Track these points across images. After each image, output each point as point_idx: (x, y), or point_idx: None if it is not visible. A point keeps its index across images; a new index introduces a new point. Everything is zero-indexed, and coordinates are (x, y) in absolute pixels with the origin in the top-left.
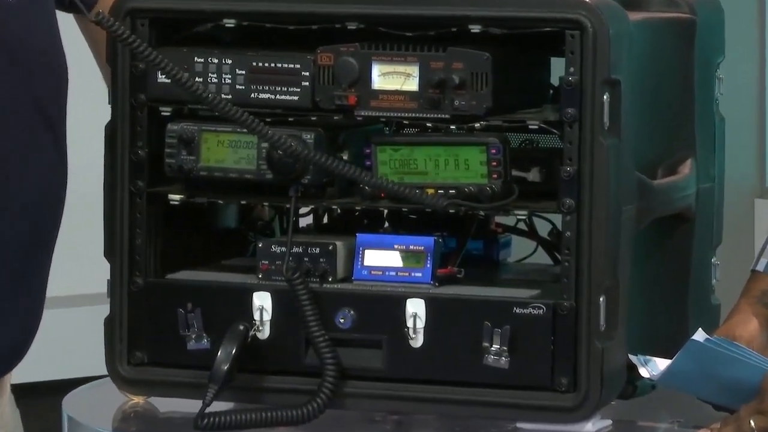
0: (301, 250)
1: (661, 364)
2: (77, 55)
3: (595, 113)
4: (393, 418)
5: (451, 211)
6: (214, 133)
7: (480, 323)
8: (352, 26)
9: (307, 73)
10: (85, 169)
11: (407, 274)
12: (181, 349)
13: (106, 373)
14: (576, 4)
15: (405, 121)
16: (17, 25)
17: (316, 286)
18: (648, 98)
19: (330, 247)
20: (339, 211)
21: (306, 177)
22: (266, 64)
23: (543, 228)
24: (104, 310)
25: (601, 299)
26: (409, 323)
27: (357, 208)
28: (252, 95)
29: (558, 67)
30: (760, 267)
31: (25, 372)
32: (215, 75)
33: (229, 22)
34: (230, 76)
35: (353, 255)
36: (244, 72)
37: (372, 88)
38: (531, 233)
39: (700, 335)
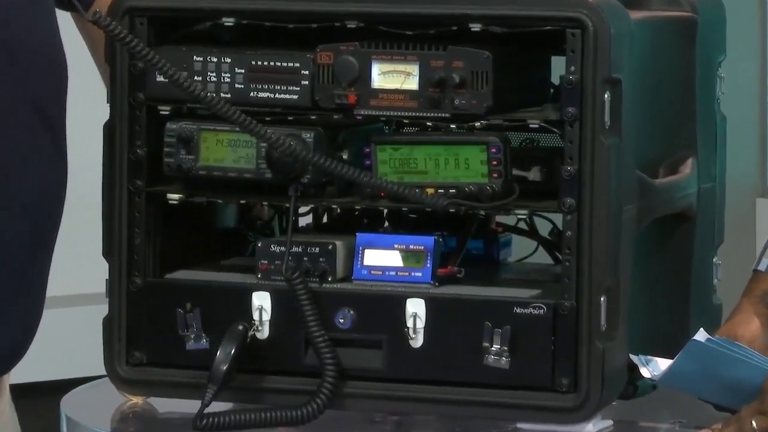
0: (300, 249)
1: (663, 364)
2: (76, 54)
3: (596, 112)
4: (393, 418)
5: (451, 210)
6: (213, 132)
7: (480, 323)
8: (351, 25)
9: (307, 72)
10: (83, 168)
11: (407, 273)
12: (180, 350)
13: (104, 373)
14: (577, 2)
15: (405, 120)
16: (17, 25)
17: (315, 286)
18: (649, 97)
19: (329, 247)
20: (338, 210)
21: (305, 176)
22: (265, 63)
23: (543, 227)
24: (103, 310)
25: (601, 299)
26: (409, 323)
27: (357, 207)
28: (251, 94)
29: (559, 66)
30: (762, 267)
31: (24, 372)
32: (214, 74)
33: (228, 21)
34: (229, 75)
35: (353, 254)
36: (243, 71)
37: (372, 87)
38: (531, 233)
39: (701, 335)
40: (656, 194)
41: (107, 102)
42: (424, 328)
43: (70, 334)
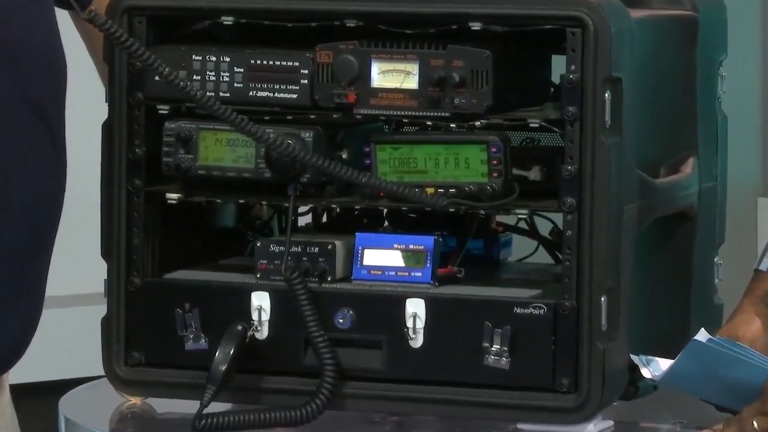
0: (299, 249)
1: (663, 364)
2: (74, 54)
3: (596, 111)
4: (392, 419)
5: (451, 210)
6: (212, 132)
7: (480, 323)
8: (351, 24)
9: (306, 71)
10: (82, 168)
11: (407, 273)
12: (178, 350)
13: (103, 373)
14: (577, 1)
15: (405, 120)
16: (17, 25)
17: (315, 286)
18: (650, 96)
19: (329, 247)
20: (338, 210)
21: (305, 176)
22: (264, 62)
23: (544, 227)
24: (101, 310)
25: (602, 299)
26: (409, 323)
27: (356, 207)
28: (250, 93)
29: (559, 65)
30: (763, 267)
31: (22, 372)
32: (213, 73)
33: (227, 20)
34: (228, 74)
35: (352, 254)
36: (242, 70)
37: (371, 86)
38: (532, 232)
39: (702, 335)
40: (657, 194)
41: (106, 101)
42: (424, 328)
43: (68, 335)
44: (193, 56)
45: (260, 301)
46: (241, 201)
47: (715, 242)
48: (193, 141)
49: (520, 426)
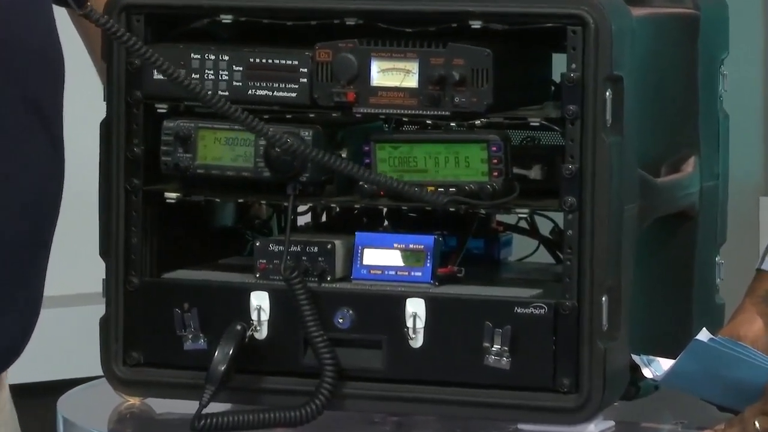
0: (299, 249)
1: (665, 364)
2: (72, 52)
3: (597, 110)
4: (392, 419)
5: (451, 209)
6: (211, 131)
7: (481, 323)
8: (350, 22)
9: (305, 70)
10: (80, 167)
11: (407, 273)
12: (177, 350)
13: (101, 373)
14: None
15: (404, 119)
16: (16, 24)
17: (314, 286)
18: (651, 95)
19: (328, 246)
20: (338, 209)
21: (304, 175)
22: (264, 61)
23: (544, 226)
24: (100, 309)
25: (603, 299)
26: (409, 323)
27: (356, 206)
28: (249, 92)
29: (560, 64)
30: (765, 266)
31: (20, 372)
32: (212, 71)
33: (226, 18)
34: (227, 73)
35: (352, 254)
36: (241, 68)
37: (371, 84)
38: (532, 232)
39: (704, 335)
40: (658, 193)
41: (104, 100)
42: (424, 328)
43: (67, 335)
44: (192, 55)
45: (259, 300)
46: (240, 200)
47: (717, 241)
48: (191, 140)
49: (521, 426)
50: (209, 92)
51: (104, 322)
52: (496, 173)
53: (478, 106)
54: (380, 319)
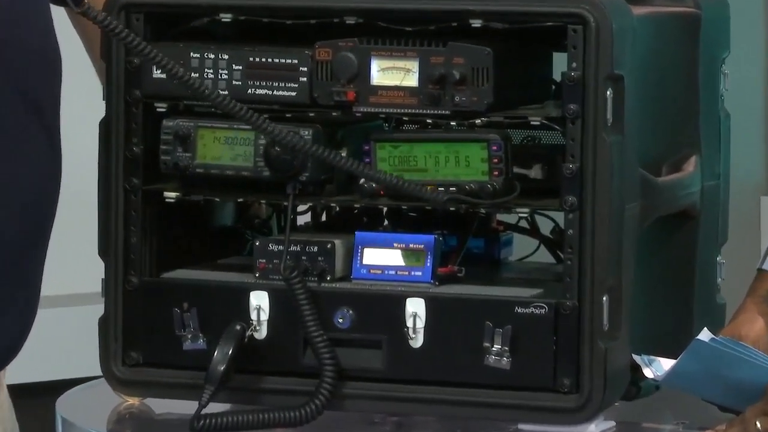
0: (299, 248)
1: (666, 364)
2: (71, 51)
3: (597, 109)
4: (392, 419)
5: (451, 208)
6: (211, 130)
7: (481, 323)
8: (350, 21)
9: (305, 69)
10: (79, 166)
11: (407, 272)
12: (176, 350)
13: (100, 373)
14: None
15: (404, 118)
16: (13, 23)
17: (314, 286)
18: (652, 94)
19: (328, 246)
20: (337, 208)
21: (304, 174)
22: (263, 60)
23: (545, 226)
24: (99, 309)
25: (604, 298)
26: (409, 323)
27: (356, 205)
28: (249, 91)
29: (560, 63)
30: (767, 266)
31: (19, 372)
32: (211, 70)
33: (226, 17)
34: (227, 72)
35: (352, 253)
36: (240, 67)
37: (371, 83)
38: (533, 231)
39: (705, 335)
40: (659, 192)
41: (103, 99)
42: (424, 327)
43: (65, 334)
44: (192, 53)
45: (259, 300)
46: (240, 200)
47: (718, 241)
48: (191, 139)
49: (521, 426)
50: (210, 89)
51: (103, 322)
52: (496, 172)
53: (478, 105)
54: (380, 319)
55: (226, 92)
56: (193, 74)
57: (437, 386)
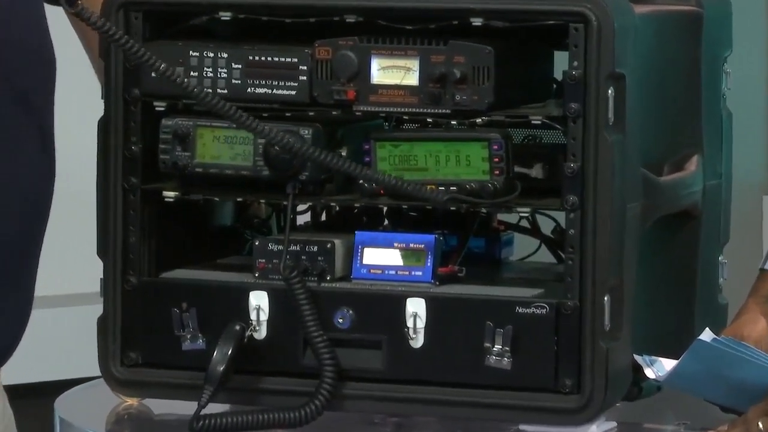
0: (298, 248)
1: (667, 364)
2: (70, 50)
3: (599, 108)
4: (392, 420)
5: (452, 208)
6: (210, 129)
7: (482, 323)
8: (350, 19)
9: (305, 68)
10: (78, 166)
11: (407, 272)
12: (175, 350)
13: (99, 374)
14: None
15: (405, 117)
16: (6, 22)
17: (314, 285)
18: (653, 93)
19: (328, 246)
20: (337, 208)
21: (303, 173)
22: (263, 58)
23: (546, 225)
24: (97, 309)
25: (605, 298)
26: (409, 323)
27: (356, 205)
28: (248, 90)
29: (561, 61)
30: None
31: (18, 373)
32: (211, 69)
33: (225, 15)
34: (226, 71)
35: (352, 253)
36: (240, 66)
37: (371, 82)
38: (534, 231)
39: (707, 335)
40: (661, 192)
41: (102, 98)
42: (425, 328)
43: (64, 335)
44: (191, 52)
45: (258, 300)
46: (239, 199)
47: (720, 241)
48: (190, 138)
49: (522, 427)
50: (205, 91)
51: (102, 322)
52: (497, 172)
53: (479, 104)
54: (380, 319)
55: (226, 91)
56: (191, 75)
57: (438, 387)
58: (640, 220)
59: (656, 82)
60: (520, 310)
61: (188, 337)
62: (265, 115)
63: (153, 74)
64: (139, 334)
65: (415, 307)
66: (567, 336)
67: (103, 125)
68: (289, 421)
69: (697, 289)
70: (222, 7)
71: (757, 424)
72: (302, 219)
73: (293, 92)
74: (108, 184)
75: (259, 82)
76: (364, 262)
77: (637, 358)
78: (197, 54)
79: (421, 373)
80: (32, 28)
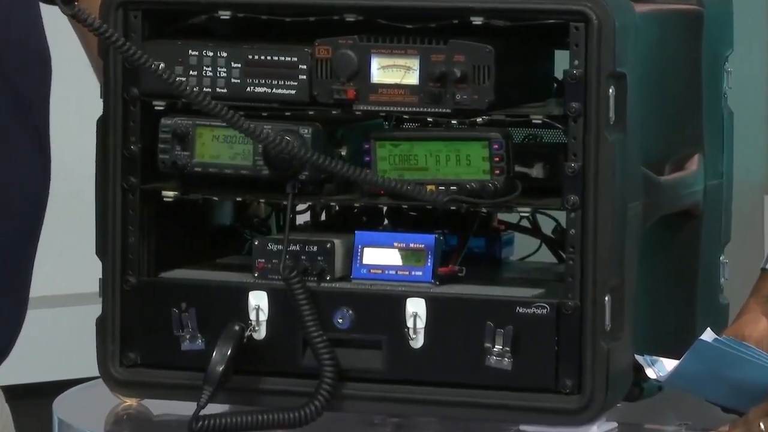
0: (298, 248)
1: (669, 364)
2: (69, 50)
3: (600, 107)
4: (392, 420)
5: (452, 208)
6: (209, 128)
7: (482, 323)
8: (350, 18)
9: (305, 67)
10: (77, 165)
11: (407, 272)
12: (175, 350)
13: (98, 374)
14: None
15: (405, 116)
16: (12, 26)
17: (313, 285)
18: (654, 92)
19: (328, 245)
20: (337, 208)
21: (303, 173)
22: (262, 57)
23: (547, 225)
24: (96, 309)
25: (606, 298)
26: (409, 323)
27: (355, 205)
28: (248, 89)
29: (562, 60)
30: None
31: (16, 373)
32: (210, 68)
33: (224, 14)
34: (225, 70)
35: (352, 253)
36: (239, 65)
37: (371, 81)
38: (534, 231)
39: (708, 335)
40: (662, 191)
41: (101, 97)
42: (425, 328)
43: (63, 335)
44: (190, 51)
45: (258, 300)
46: (239, 199)
47: (721, 240)
48: (189, 138)
49: (523, 428)
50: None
51: (101, 322)
52: (497, 171)
53: (479, 104)
54: (380, 319)
55: (225, 90)
56: (191, 74)
57: (438, 387)
58: (641, 219)
59: (657, 81)
60: (520, 310)
61: (187, 337)
62: (264, 114)
63: (155, 79)
64: (138, 335)
65: (415, 307)
66: (568, 336)
67: (102, 125)
68: (288, 421)
69: (698, 289)
70: (221, 6)
71: (759, 425)
72: (302, 219)
73: (293, 91)
74: (107, 184)
75: (259, 81)
76: (364, 262)
77: (638, 358)
78: (196, 53)
79: (421, 374)
80: (30, 28)
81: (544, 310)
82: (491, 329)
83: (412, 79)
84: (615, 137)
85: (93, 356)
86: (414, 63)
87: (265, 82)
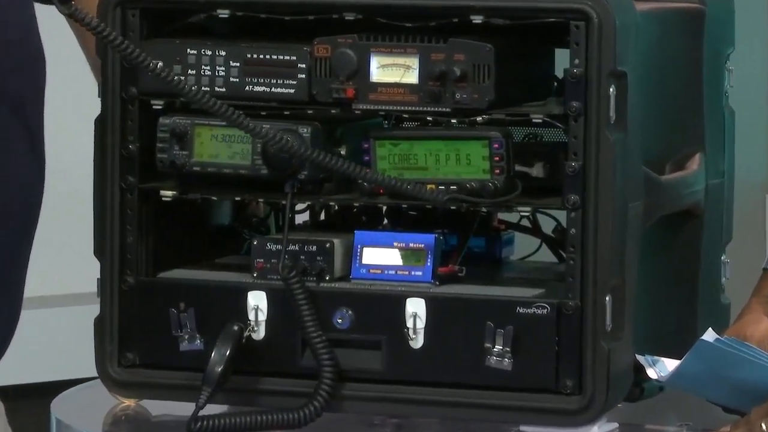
0: (297, 248)
1: (670, 365)
2: (67, 49)
3: (600, 106)
4: (392, 421)
5: (452, 207)
6: (208, 127)
7: (482, 323)
8: (350, 17)
9: (304, 66)
10: (74, 165)
11: (407, 272)
12: (173, 350)
13: (96, 374)
14: None
15: (405, 115)
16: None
17: (312, 285)
18: (655, 91)
19: (327, 245)
20: (336, 207)
21: (302, 173)
22: (261, 56)
23: (547, 225)
24: (94, 310)
25: (607, 298)
26: (409, 323)
27: (355, 204)
28: (247, 88)
29: (562, 59)
30: None
31: (14, 373)
32: (208, 67)
33: (223, 13)
34: (224, 69)
35: (351, 253)
36: (238, 64)
37: (370, 80)
38: (535, 230)
39: (709, 335)
40: (663, 191)
41: (98, 96)
42: (425, 328)
43: (61, 335)
44: (188, 50)
45: (257, 300)
46: (237, 198)
47: (722, 240)
48: (188, 137)
49: (523, 428)
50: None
51: (99, 323)
52: (497, 171)
53: (479, 103)
54: (380, 320)
55: (224, 89)
56: (189, 73)
57: (438, 387)
58: (641, 219)
59: (658, 79)
60: (520, 310)
61: (186, 337)
62: (263, 113)
63: (153, 78)
64: (136, 335)
65: (415, 308)
66: (568, 336)
67: (100, 124)
68: (287, 422)
69: (699, 289)
70: (220, 4)
71: (760, 425)
72: (301, 218)
73: (292, 90)
74: (105, 184)
75: (258, 80)
76: (364, 261)
77: (639, 358)
78: (195, 52)
79: (421, 374)
80: (25, 28)
81: (545, 310)
82: (491, 329)
83: (412, 78)
84: (616, 136)
85: (91, 356)
86: (413, 62)
87: (264, 81)
